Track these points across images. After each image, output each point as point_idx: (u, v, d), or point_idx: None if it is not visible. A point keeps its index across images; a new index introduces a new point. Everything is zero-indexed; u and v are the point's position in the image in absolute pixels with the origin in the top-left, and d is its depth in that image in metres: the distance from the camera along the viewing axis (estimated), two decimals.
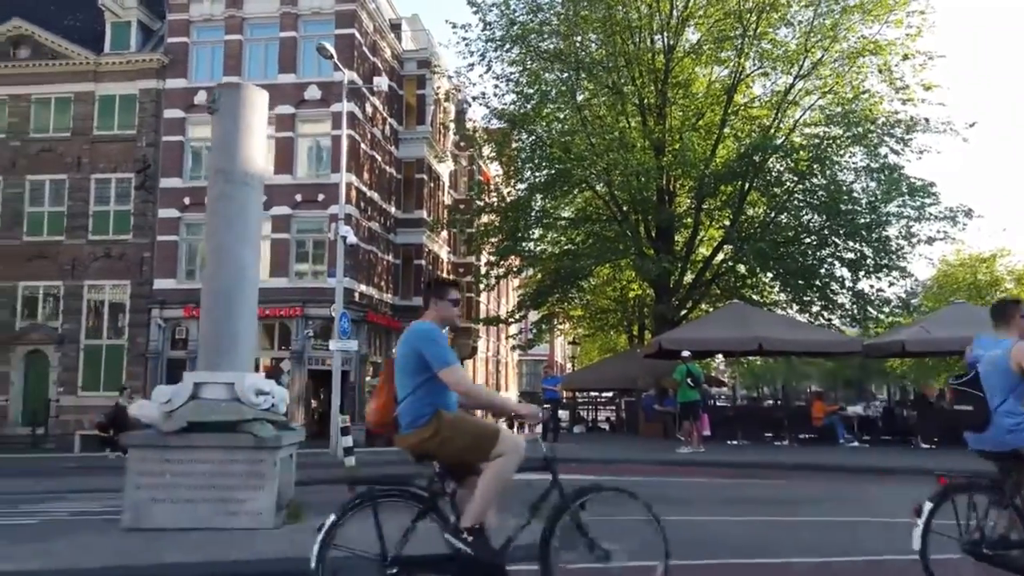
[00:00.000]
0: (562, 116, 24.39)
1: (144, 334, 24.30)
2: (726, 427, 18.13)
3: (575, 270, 24.57)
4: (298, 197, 24.29)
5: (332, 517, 3.78)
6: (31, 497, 10.68)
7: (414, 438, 3.94)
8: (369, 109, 26.21)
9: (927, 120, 22.62)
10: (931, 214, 21.83)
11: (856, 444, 17.27)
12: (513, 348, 31.23)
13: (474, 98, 25.17)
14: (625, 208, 24.14)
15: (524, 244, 25.77)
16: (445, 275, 33.34)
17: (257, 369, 23.75)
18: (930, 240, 22.15)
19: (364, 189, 25.69)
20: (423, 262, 29.45)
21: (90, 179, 25.12)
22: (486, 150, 27.59)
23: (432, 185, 30.78)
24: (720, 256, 25.30)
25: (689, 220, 24.63)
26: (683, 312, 24.74)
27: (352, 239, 16.74)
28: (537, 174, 25.54)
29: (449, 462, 3.96)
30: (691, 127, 24.17)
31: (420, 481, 3.99)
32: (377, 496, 3.87)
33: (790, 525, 7.80)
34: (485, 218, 27.01)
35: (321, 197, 24.22)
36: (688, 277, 25.45)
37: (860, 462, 14.38)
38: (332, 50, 16.66)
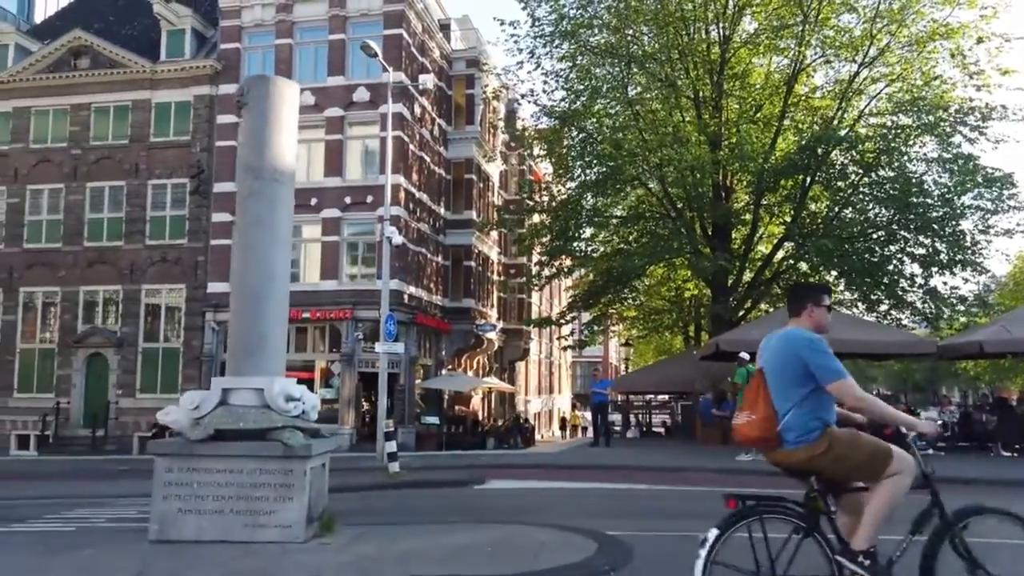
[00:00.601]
0: (613, 112, 23.77)
1: (199, 337, 24.61)
2: None
3: (627, 270, 23.92)
4: (348, 199, 24.24)
5: (715, 532, 3.65)
6: (78, 501, 10.67)
7: (803, 454, 3.80)
8: (418, 110, 26.04)
9: (1004, 107, 21.23)
10: (1010, 206, 20.45)
11: (930, 452, 16.12)
12: (564, 349, 30.60)
13: (523, 96, 24.73)
14: (679, 205, 23.38)
15: (575, 244, 25.19)
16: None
17: (313, 371, 24.18)
18: (1009, 233, 20.77)
19: (413, 190, 25.52)
20: (472, 263, 29.16)
21: (147, 185, 25.61)
22: (536, 149, 27.16)
23: (481, 186, 30.48)
24: (780, 254, 24.31)
25: (747, 216, 23.69)
26: (741, 312, 23.83)
27: (397, 240, 16.45)
28: (588, 172, 24.97)
29: (835, 480, 3.88)
30: (749, 120, 23.26)
31: (794, 498, 3.82)
32: (763, 512, 3.73)
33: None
34: (536, 218, 26.58)
35: (370, 199, 24.11)
36: (747, 276, 24.52)
37: (935, 472, 13.38)
38: (376, 48, 16.43)
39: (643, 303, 30.29)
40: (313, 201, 24.41)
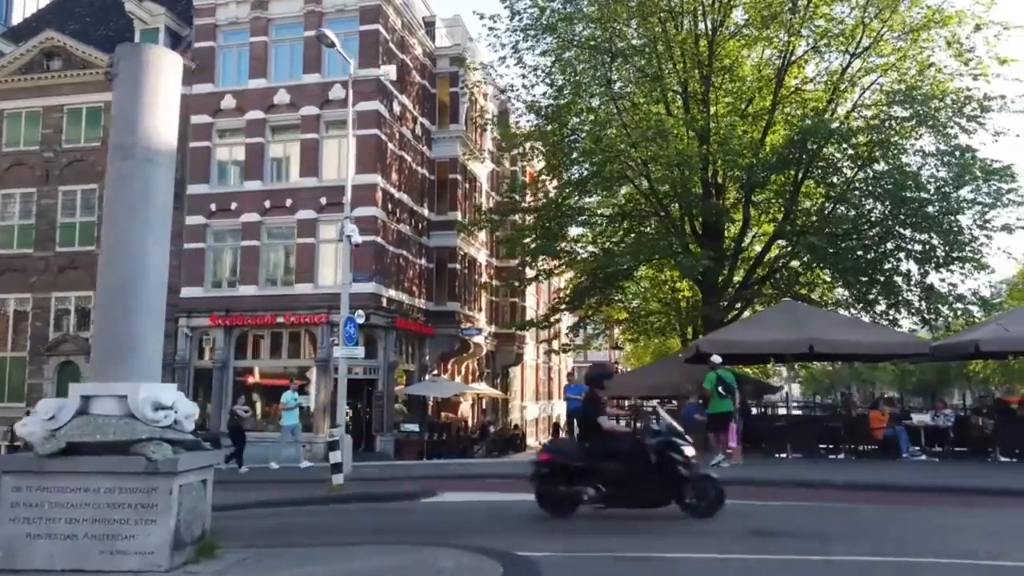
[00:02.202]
0: (596, 107, 22.97)
1: (172, 344, 23.92)
2: (776, 439, 16.36)
3: (614, 270, 23.20)
4: (323, 200, 23.52)
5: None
6: None
7: None
8: (397, 108, 25.33)
9: (1003, 97, 20.30)
10: (1010, 200, 19.51)
11: (923, 457, 15.27)
12: (549, 353, 29.71)
13: (502, 91, 23.97)
14: (667, 203, 22.58)
15: (560, 244, 24.36)
16: (487, 279, 32.23)
17: (288, 378, 23.45)
18: (1008, 228, 19.82)
19: (392, 190, 24.79)
20: (458, 266, 28.38)
21: None
22: (523, 148, 26.38)
23: (467, 186, 29.74)
24: (773, 252, 23.46)
25: (738, 214, 22.88)
26: (733, 313, 22.97)
27: (357, 239, 15.66)
28: (572, 170, 24.20)
29: None
30: (738, 114, 22.47)
31: None
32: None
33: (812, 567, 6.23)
34: (522, 218, 25.79)
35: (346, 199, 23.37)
36: (739, 275, 23.70)
37: (923, 480, 12.49)
38: (333, 37, 15.67)
39: (635, 305, 29.44)
40: (288, 202, 23.73)
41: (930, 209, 20.03)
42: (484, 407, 34.85)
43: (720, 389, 13.22)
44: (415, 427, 24.03)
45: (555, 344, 27.66)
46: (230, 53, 25.37)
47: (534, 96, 23.35)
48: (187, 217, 24.42)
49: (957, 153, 19.97)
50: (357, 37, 23.90)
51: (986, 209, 19.58)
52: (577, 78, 22.59)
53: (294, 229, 23.78)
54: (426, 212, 27.93)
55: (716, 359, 13.73)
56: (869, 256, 21.50)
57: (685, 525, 8.36)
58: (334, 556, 6.28)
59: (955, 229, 20.04)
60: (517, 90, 23.94)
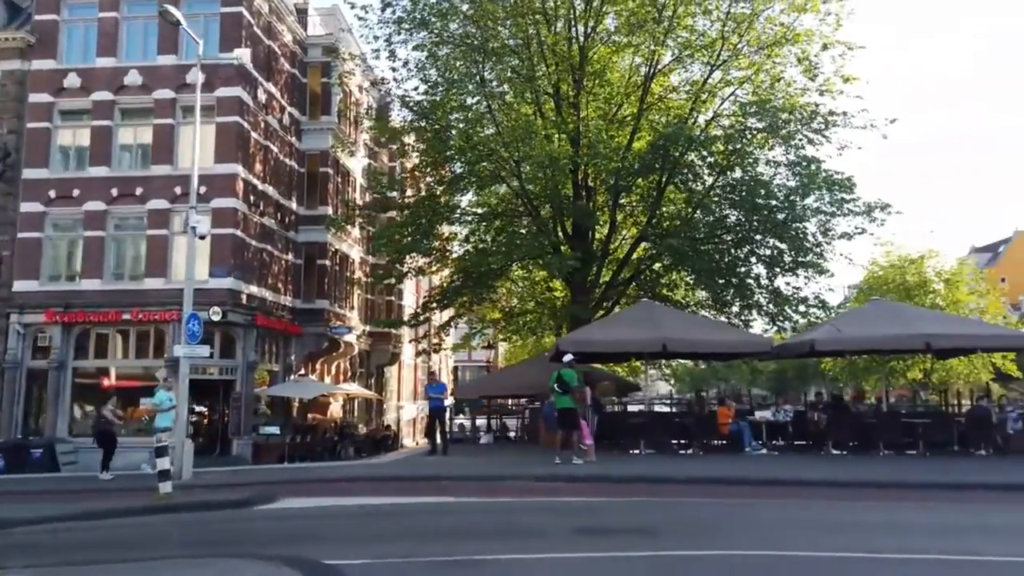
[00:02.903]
0: (469, 104, 22.86)
1: (1, 342, 21.84)
2: (631, 436, 16.78)
3: (485, 269, 23.26)
4: (178, 190, 22.08)
5: None
6: None
7: None
8: (263, 96, 24.23)
9: (846, 113, 21.76)
10: (849, 209, 20.94)
11: (764, 451, 16.11)
12: (426, 351, 29.28)
13: (373, 83, 23.42)
14: (537, 203, 22.82)
15: (432, 241, 24.08)
16: (361, 276, 31.44)
17: (136, 379, 21.88)
18: (847, 236, 21.28)
19: (256, 182, 23.68)
20: (327, 262, 27.51)
21: None
22: (400, 143, 25.86)
23: (340, 180, 28.89)
24: (638, 254, 24.19)
25: (606, 216, 23.46)
26: (600, 312, 23.48)
27: (203, 230, 14.81)
28: (446, 167, 24.01)
29: None
30: (607, 119, 23.02)
31: None
32: None
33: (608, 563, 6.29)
34: (398, 215, 25.27)
35: (204, 190, 22.05)
36: (606, 276, 24.28)
37: (758, 473, 13.15)
38: (178, 14, 14.71)
39: (509, 304, 29.58)
40: (138, 191, 22.20)
41: (779, 216, 21.19)
42: (356, 408, 34.03)
43: (556, 386, 13.42)
44: (275, 430, 23.04)
45: (425, 344, 27.26)
46: (76, 28, 23.43)
47: (406, 91, 22.89)
48: (22, 204, 22.37)
49: (804, 164, 21.24)
50: (218, 19, 22.69)
51: (828, 218, 20.87)
52: (451, 75, 22.39)
53: (144, 220, 22.27)
54: (294, 206, 26.91)
55: (567, 357, 13.91)
56: (725, 260, 22.53)
57: (518, 524, 8.33)
58: (125, 572, 5.76)
59: (801, 236, 21.33)
60: (389, 83, 23.43)
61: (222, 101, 22.20)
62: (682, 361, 34.54)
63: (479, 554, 6.67)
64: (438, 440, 17.06)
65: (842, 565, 6.29)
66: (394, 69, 23.55)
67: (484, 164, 22.03)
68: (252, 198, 23.38)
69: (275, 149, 25.29)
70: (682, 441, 17.22)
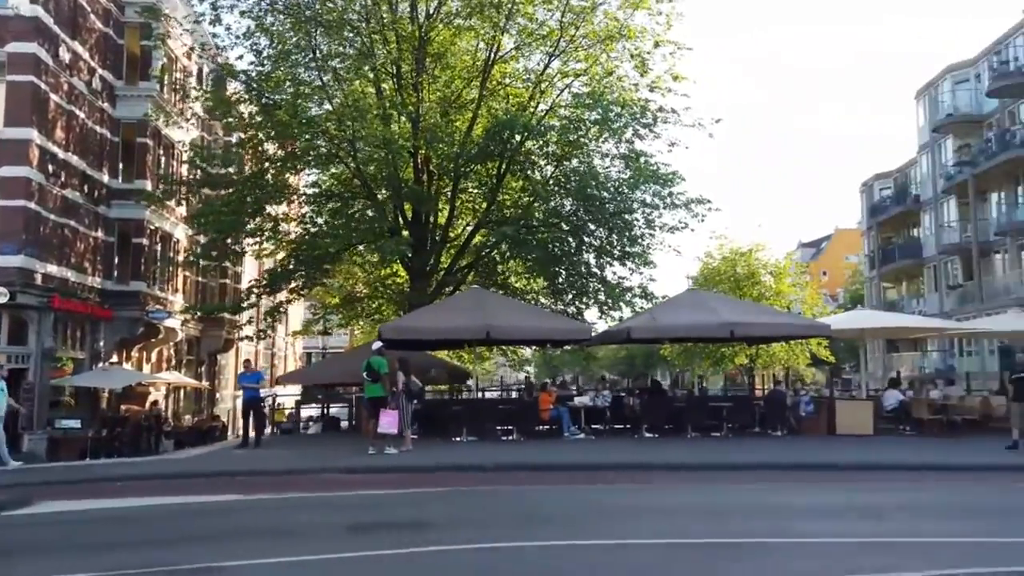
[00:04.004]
0: (300, 77, 21.75)
1: None
2: (455, 424, 16.61)
3: (321, 252, 22.42)
4: None
5: None
6: None
7: None
8: (67, 55, 21.88)
9: (675, 111, 22.60)
10: (672, 202, 21.83)
11: (581, 436, 16.46)
12: (249, 339, 27.53)
13: (192, 49, 21.76)
14: (373, 185, 22.16)
15: (260, 222, 22.78)
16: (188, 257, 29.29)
17: None
18: (672, 229, 22.21)
19: (56, 150, 21.39)
20: (146, 241, 25.42)
21: None
22: (232, 116, 24.18)
23: (161, 152, 26.74)
24: (477, 240, 24.13)
25: (446, 201, 23.20)
26: (439, 299, 23.20)
27: None
28: (287, 145, 22.77)
29: None
30: (449, 103, 22.70)
31: None
32: None
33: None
34: (226, 192, 23.64)
35: None
36: (446, 262, 24.04)
37: (569, 458, 13.38)
38: None
39: (349, 289, 28.68)
40: None
41: (609, 207, 21.79)
42: (183, 398, 31.91)
43: (366, 375, 13.06)
44: (76, 423, 21.03)
45: (248, 330, 25.81)
46: None
47: (227, 59, 21.41)
48: None
49: (633, 157, 21.92)
50: None
51: (652, 210, 21.67)
52: (282, 46, 21.22)
53: None
54: (106, 178, 24.62)
55: (376, 345, 13.55)
56: (560, 249, 22.90)
57: (293, 523, 7.85)
58: None
59: (628, 227, 22.03)
60: (212, 49, 21.85)
61: (14, 58, 19.87)
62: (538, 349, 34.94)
63: (231, 559, 6.14)
64: (251, 432, 16.10)
65: (595, 555, 6.31)
66: (215, 35, 21.97)
67: (319, 143, 21.23)
68: (51, 167, 21.11)
69: (82, 115, 22.97)
70: (508, 427, 17.28)
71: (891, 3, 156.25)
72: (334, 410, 25.55)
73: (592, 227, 22.82)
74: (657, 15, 22.07)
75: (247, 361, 18.31)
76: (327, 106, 21.59)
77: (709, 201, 22.11)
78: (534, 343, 22.63)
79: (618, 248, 22.12)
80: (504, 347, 28.79)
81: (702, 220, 22.52)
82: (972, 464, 12.71)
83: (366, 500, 9.41)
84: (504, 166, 22.23)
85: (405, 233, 21.75)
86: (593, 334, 19.45)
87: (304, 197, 23.45)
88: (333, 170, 23.94)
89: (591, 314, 24.44)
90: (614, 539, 6.69)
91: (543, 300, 25.01)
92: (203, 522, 8.35)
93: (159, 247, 26.69)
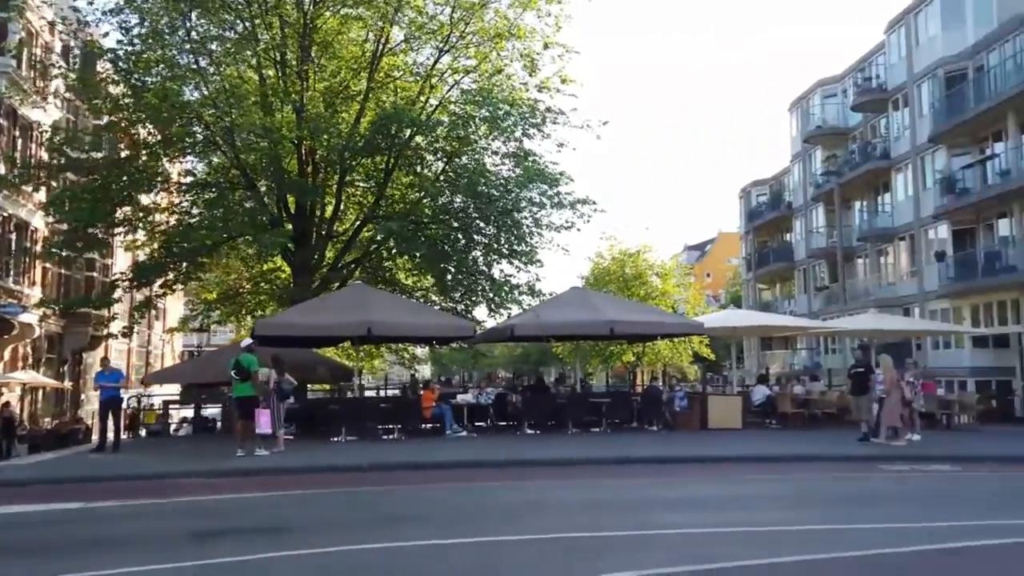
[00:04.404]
0: (173, 60, 20.56)
1: None
2: (334, 424, 16.14)
3: (196, 245, 21.30)
4: None
5: None
6: None
7: None
8: None
9: (563, 112, 22.86)
10: (559, 202, 22.09)
11: (464, 434, 16.37)
12: (109, 336, 25.72)
13: (51, 23, 20.17)
14: (253, 175, 21.26)
15: (128, 211, 21.38)
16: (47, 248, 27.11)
17: None
18: (558, 228, 22.50)
19: None
20: None
21: None
22: (101, 98, 22.52)
23: (17, 133, 24.64)
24: (365, 236, 23.60)
25: (331, 195, 22.54)
26: (324, 295, 22.53)
27: None
28: (148, 128, 21.43)
29: None
30: (335, 93, 22.09)
31: None
32: None
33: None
34: (89, 178, 22.00)
35: None
36: (333, 257, 23.40)
37: (449, 456, 13.25)
38: None
39: (229, 284, 27.39)
40: None
41: (499, 205, 21.82)
42: (42, 399, 29.58)
43: (234, 373, 12.49)
44: None
45: (114, 327, 24.16)
46: None
47: (93, 36, 19.98)
48: None
49: (522, 156, 22.04)
50: None
51: (538, 208, 21.86)
52: (154, 25, 20.01)
53: None
54: None
55: (245, 342, 12.97)
56: (449, 246, 22.73)
57: (127, 533, 7.32)
58: None
59: (517, 225, 22.14)
60: (73, 24, 20.32)
61: None
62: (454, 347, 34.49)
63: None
64: (109, 435, 15.05)
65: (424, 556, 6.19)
66: (77, 10, 20.45)
67: (195, 129, 20.22)
68: None
69: None
70: (390, 426, 16.96)
71: (783, 12, 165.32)
72: (210, 411, 24.31)
73: (481, 224, 22.82)
74: (546, 16, 22.26)
75: (104, 359, 17.08)
76: (204, 91, 20.54)
77: (594, 202, 22.54)
78: (417, 340, 22.36)
79: (506, 246, 22.20)
80: (395, 345, 28.44)
81: (588, 220, 22.96)
82: (826, 455, 13.50)
83: (224, 505, 8.92)
84: (393, 160, 21.87)
85: (288, 226, 21.05)
86: (480, 332, 19.45)
87: (178, 186, 22.18)
88: (212, 159, 22.85)
89: (481, 312, 24.50)
90: (483, 537, 6.61)
91: (434, 298, 24.81)
92: (33, 534, 7.65)
93: (13, 236, 24.56)
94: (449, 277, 23.27)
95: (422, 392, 17.65)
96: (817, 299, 38.37)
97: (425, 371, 70.59)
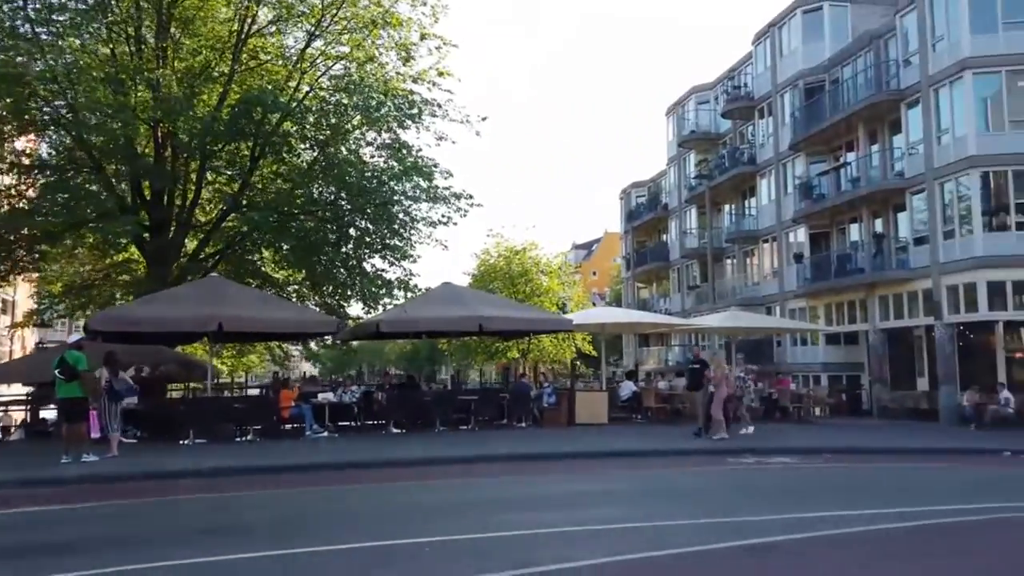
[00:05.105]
0: (9, 28, 18.72)
1: None
2: (183, 426, 15.07)
3: (32, 232, 19.51)
4: None
5: None
6: None
7: None
8: None
9: (440, 105, 22.48)
10: (434, 196, 21.73)
11: (325, 434, 15.71)
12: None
13: None
14: (98, 158, 19.68)
15: None
16: None
17: None
18: (433, 222, 22.14)
19: None
20: None
21: None
22: None
23: None
24: (229, 226, 22.37)
25: (191, 181, 21.22)
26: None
27: None
28: None
29: None
30: (196, 74, 20.77)
31: None
32: None
33: None
34: None
35: None
36: (193, 247, 22.06)
37: (306, 458, 12.64)
38: None
39: (74, 274, 25.30)
40: None
41: (374, 199, 21.18)
42: None
43: (59, 373, 11.40)
44: None
45: None
46: None
47: None
48: None
49: (396, 148, 21.51)
50: None
51: (411, 203, 21.42)
52: None
53: None
54: None
55: (72, 338, 11.87)
56: (319, 238, 21.88)
57: None
58: None
59: (391, 219, 21.58)
60: None
61: None
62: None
63: None
64: None
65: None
66: None
67: (31, 105, 18.53)
68: None
69: None
70: (246, 427, 16.03)
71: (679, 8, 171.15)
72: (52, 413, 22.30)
73: (354, 217, 22.13)
74: (421, 5, 21.77)
75: None
76: (44, 64, 18.79)
77: (471, 196, 22.31)
78: (274, 337, 21.42)
79: (378, 240, 21.62)
80: (268, 342, 27.18)
81: (464, 215, 22.70)
82: (681, 449, 13.83)
83: (20, 520, 7.99)
84: (259, 148, 20.84)
85: (142, 214, 19.66)
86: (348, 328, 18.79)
87: (12, 167, 20.23)
88: (54, 138, 21.03)
89: (357, 308, 23.75)
90: (312, 547, 6.15)
91: (307, 292, 23.86)
92: None
93: None
94: (320, 271, 22.46)
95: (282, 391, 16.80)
96: (690, 297, 39.85)
97: (310, 369, 68.67)
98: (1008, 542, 6.77)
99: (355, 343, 48.37)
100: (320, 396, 16.93)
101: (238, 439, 15.46)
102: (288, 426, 16.26)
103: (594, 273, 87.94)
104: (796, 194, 29.52)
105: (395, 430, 16.46)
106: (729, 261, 36.55)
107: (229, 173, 22.54)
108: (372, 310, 23.04)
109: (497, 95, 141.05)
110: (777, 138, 30.89)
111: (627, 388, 19.74)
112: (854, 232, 27.63)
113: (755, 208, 33.67)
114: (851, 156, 27.37)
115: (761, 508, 8.01)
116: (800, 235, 29.84)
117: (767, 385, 20.21)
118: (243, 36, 21.02)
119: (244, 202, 21.38)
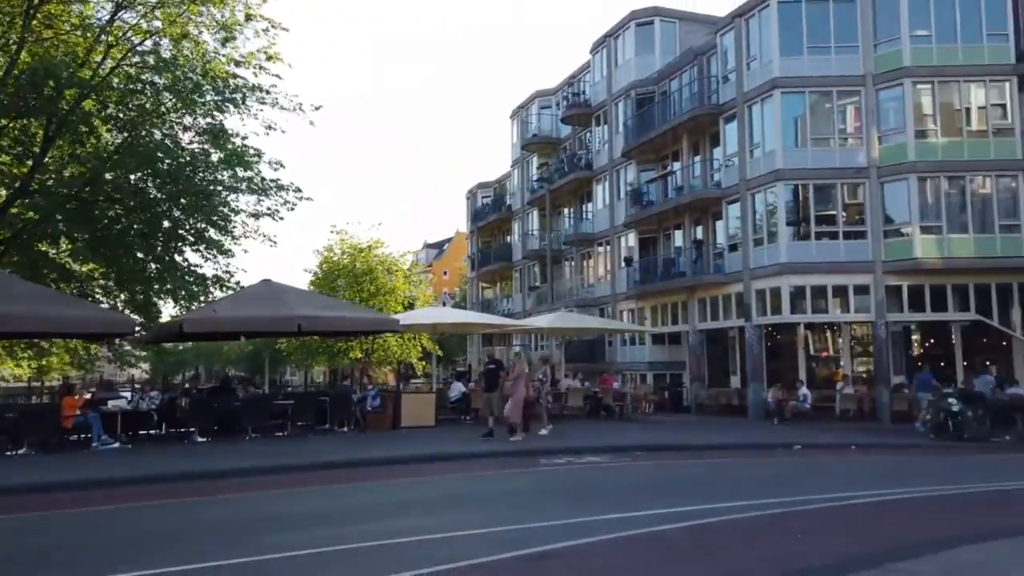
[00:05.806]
0: None
1: None
2: None
3: None
4: None
5: None
6: None
7: None
8: None
9: (268, 92, 21.17)
10: (255, 187, 20.48)
11: (116, 445, 14.22)
12: None
13: None
14: None
15: None
16: None
17: None
18: (256, 215, 20.88)
19: None
20: None
21: None
22: None
23: None
24: (19, 213, 19.89)
25: None
26: None
27: None
28: None
29: None
30: None
31: None
32: None
33: None
34: None
35: None
36: None
37: (78, 475, 11.27)
38: None
39: None
40: None
41: (186, 186, 19.59)
42: None
43: None
44: None
45: None
46: None
47: None
48: None
49: (214, 134, 20.05)
50: None
51: (230, 193, 20.05)
52: None
53: None
54: None
55: None
56: (118, 227, 19.98)
57: None
58: None
59: (208, 210, 20.06)
60: None
61: None
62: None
63: None
64: None
65: None
66: None
67: None
68: None
69: None
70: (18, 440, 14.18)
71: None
72: None
73: (168, 207, 20.38)
74: None
75: None
76: None
77: (299, 189, 21.25)
78: (61, 335, 19.38)
79: (193, 232, 20.03)
80: (69, 343, 24.52)
81: (292, 208, 21.58)
82: (499, 451, 13.71)
83: None
84: (54, 127, 18.69)
85: None
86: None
87: None
88: None
89: (171, 307, 21.90)
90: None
91: (113, 288, 21.71)
92: None
93: None
94: (126, 265, 20.49)
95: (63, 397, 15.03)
96: (530, 298, 40.47)
97: (139, 374, 63.21)
98: (788, 540, 7.04)
99: (190, 344, 45.29)
100: (111, 403, 15.32)
101: (8, 452, 13.64)
102: (74, 437, 14.59)
103: (445, 273, 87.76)
104: (627, 200, 30.67)
105: (200, 439, 15.21)
106: (568, 263, 37.44)
107: (15, 152, 20.08)
108: (187, 309, 21.41)
109: (349, 89, 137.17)
110: (612, 145, 31.96)
111: (456, 389, 19.53)
112: (678, 238, 29.08)
113: (592, 212, 34.69)
114: (676, 165, 28.79)
115: (556, 512, 7.91)
116: (631, 239, 31.02)
117: (593, 384, 20.73)
118: (36, 3, 18.80)
119: (35, 187, 19.14)
